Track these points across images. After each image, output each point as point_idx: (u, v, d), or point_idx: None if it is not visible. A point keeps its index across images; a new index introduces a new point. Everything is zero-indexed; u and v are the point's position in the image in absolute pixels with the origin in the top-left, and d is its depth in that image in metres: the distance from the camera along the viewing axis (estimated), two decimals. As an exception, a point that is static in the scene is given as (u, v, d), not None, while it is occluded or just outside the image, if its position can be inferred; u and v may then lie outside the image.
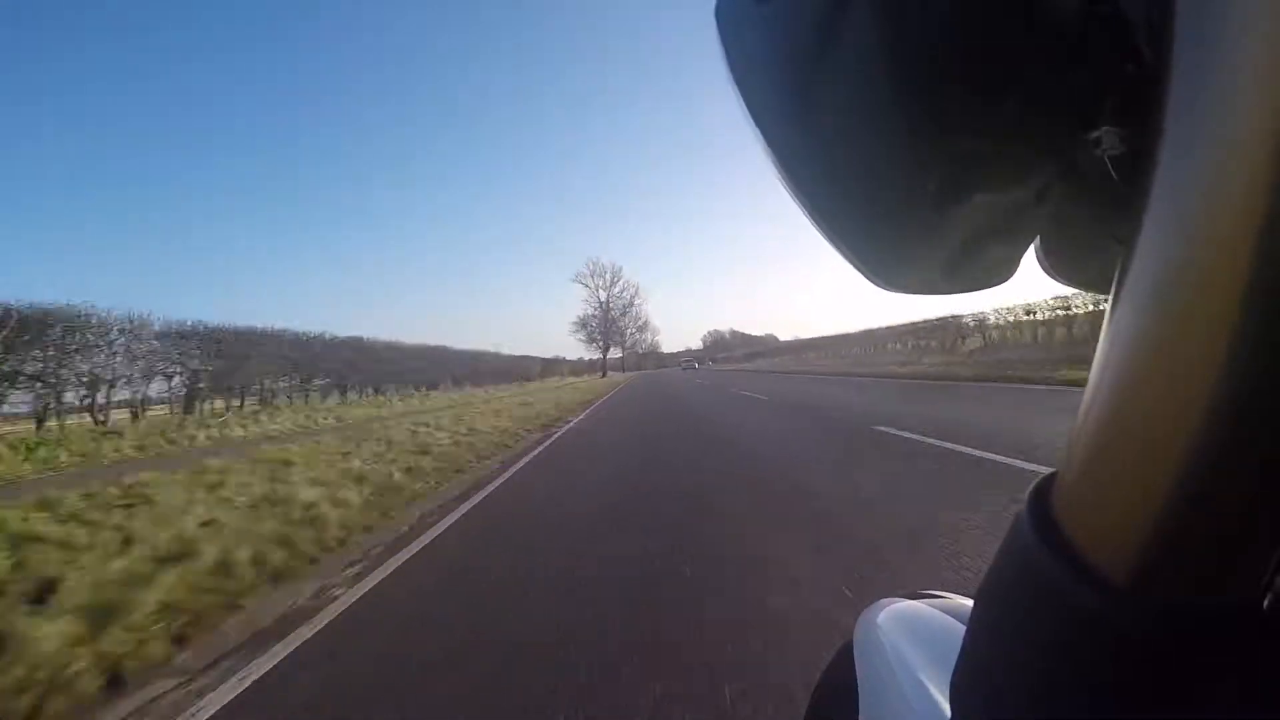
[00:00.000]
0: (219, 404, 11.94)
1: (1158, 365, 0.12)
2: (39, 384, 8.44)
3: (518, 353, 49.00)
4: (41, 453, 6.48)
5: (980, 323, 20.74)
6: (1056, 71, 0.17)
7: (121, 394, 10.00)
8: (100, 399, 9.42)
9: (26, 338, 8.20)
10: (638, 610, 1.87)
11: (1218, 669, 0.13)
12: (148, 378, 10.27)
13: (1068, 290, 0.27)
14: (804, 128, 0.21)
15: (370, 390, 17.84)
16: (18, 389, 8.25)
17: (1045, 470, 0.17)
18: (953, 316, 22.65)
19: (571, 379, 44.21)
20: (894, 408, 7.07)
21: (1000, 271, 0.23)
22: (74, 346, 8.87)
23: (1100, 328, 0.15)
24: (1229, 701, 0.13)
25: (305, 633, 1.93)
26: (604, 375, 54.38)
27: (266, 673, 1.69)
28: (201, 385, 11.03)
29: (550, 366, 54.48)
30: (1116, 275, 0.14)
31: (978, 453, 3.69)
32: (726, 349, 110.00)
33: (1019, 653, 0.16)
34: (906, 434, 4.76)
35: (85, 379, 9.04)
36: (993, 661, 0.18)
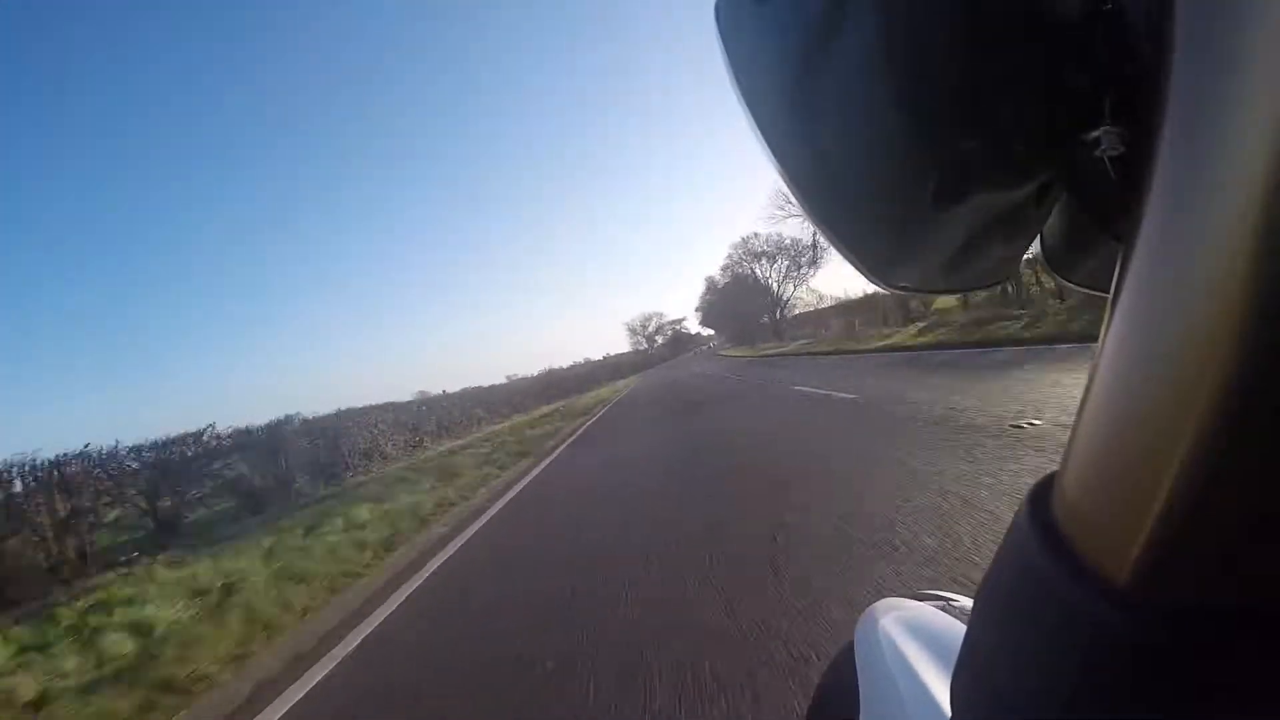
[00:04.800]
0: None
1: (1157, 365, 0.12)
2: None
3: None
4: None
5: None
6: (1056, 71, 0.18)
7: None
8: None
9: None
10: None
11: (1218, 671, 0.13)
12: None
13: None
14: (804, 127, 0.22)
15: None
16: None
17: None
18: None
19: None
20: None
21: (1001, 270, 0.24)
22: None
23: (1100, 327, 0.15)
24: (1229, 704, 0.13)
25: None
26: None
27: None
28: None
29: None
30: (1116, 274, 0.14)
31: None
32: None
33: (1018, 654, 0.17)
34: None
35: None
36: (992, 663, 0.18)
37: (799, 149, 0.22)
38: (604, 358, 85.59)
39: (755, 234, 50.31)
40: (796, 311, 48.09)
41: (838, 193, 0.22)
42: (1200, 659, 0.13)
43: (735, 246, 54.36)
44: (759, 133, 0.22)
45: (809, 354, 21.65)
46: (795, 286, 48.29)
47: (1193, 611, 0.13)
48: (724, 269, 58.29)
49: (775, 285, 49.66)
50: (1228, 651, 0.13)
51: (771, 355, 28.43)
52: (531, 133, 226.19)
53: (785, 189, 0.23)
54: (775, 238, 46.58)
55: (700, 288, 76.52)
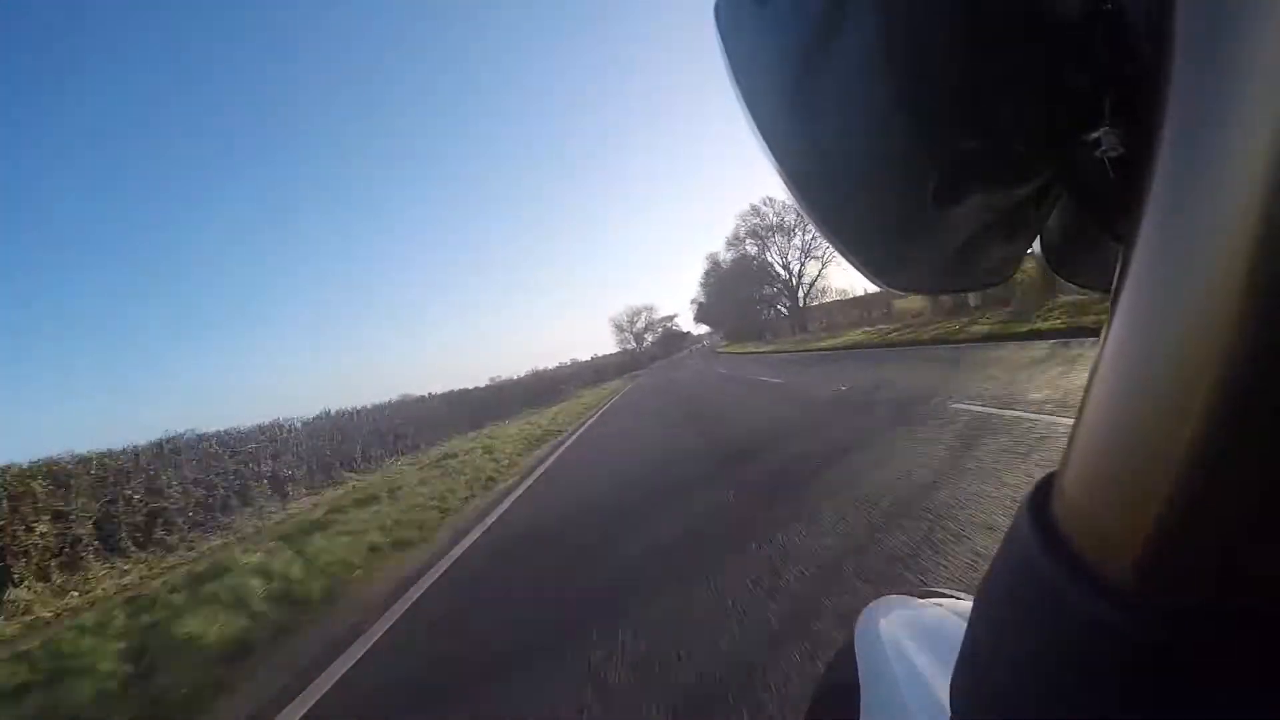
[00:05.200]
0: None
1: (1157, 364, 0.12)
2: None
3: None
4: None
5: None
6: (1056, 71, 0.18)
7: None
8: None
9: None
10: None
11: (1218, 672, 0.13)
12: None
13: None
14: (804, 128, 0.22)
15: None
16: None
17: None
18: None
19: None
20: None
21: (1000, 270, 0.24)
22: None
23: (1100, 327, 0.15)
24: (1229, 704, 0.13)
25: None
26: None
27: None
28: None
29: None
30: (1116, 274, 0.14)
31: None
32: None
33: (1018, 654, 0.17)
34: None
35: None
36: (991, 663, 0.18)
37: (799, 149, 0.22)
38: (592, 358, 77.05)
39: (769, 200, 40.47)
40: (830, 298, 38.37)
41: (838, 193, 0.22)
42: (1200, 659, 0.13)
43: (744, 216, 44.11)
44: (758, 132, 0.22)
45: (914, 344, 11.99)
46: (823, 265, 38.97)
47: (1193, 611, 0.13)
48: (730, 243, 47.20)
49: (798, 264, 40.64)
50: (1228, 651, 0.12)
51: (817, 350, 18.32)
52: (530, 131, 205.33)
53: (785, 188, 0.23)
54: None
55: (698, 280, 66.85)
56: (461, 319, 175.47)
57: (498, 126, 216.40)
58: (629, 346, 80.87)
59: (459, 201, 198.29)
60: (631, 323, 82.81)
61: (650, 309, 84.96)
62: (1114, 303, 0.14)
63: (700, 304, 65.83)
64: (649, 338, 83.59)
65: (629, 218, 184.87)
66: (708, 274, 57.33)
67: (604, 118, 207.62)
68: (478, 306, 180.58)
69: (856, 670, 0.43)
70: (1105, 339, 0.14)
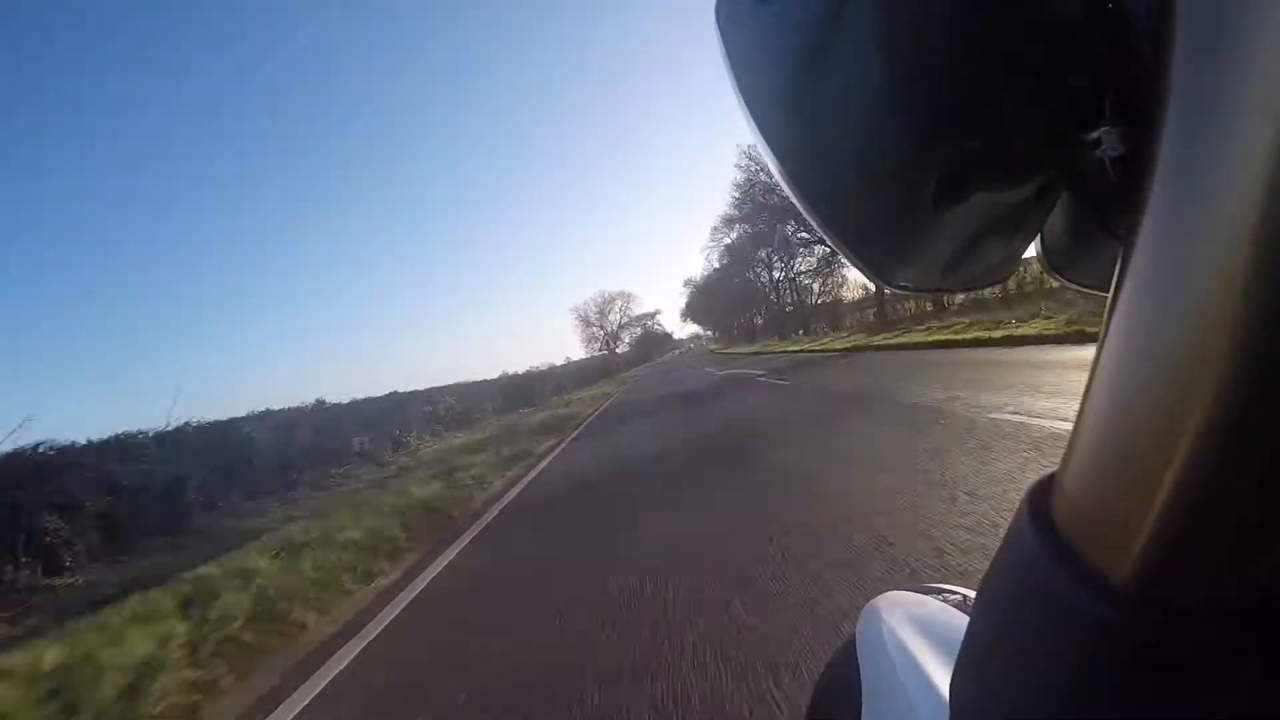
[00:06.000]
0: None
1: (1157, 365, 0.12)
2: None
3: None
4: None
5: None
6: (1056, 71, 0.18)
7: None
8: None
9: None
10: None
11: (1218, 671, 0.13)
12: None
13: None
14: (803, 127, 0.22)
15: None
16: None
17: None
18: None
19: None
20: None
21: (1000, 269, 0.24)
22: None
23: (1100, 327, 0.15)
24: (1228, 703, 0.13)
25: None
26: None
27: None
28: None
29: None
30: (1116, 274, 0.14)
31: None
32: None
33: (1017, 654, 0.17)
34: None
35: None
36: (991, 662, 0.19)
37: (798, 148, 0.22)
38: (566, 361, 67.88)
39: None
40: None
41: (837, 192, 0.23)
42: (1200, 658, 0.13)
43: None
44: (758, 131, 0.22)
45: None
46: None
47: (1193, 611, 0.13)
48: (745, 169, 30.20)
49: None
50: (1228, 651, 0.13)
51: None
52: (526, 130, 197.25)
53: (784, 187, 0.23)
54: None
55: (703, 246, 50.88)
56: (450, 320, 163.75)
57: (490, 123, 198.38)
58: (597, 346, 60.38)
59: (451, 200, 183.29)
60: (602, 314, 62.29)
61: (626, 296, 64.24)
62: (1113, 303, 0.14)
63: (696, 287, 50.38)
64: (625, 337, 65.04)
65: (620, 217, 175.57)
66: (731, 216, 37.34)
67: (593, 116, 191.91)
68: (464, 307, 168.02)
69: (858, 665, 0.44)
70: (1104, 339, 0.14)
